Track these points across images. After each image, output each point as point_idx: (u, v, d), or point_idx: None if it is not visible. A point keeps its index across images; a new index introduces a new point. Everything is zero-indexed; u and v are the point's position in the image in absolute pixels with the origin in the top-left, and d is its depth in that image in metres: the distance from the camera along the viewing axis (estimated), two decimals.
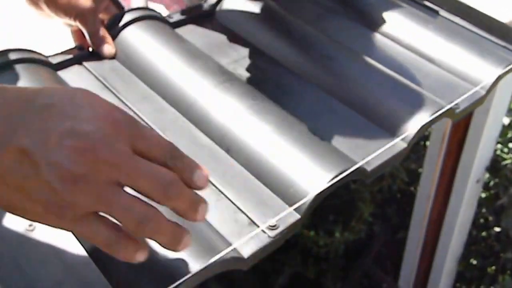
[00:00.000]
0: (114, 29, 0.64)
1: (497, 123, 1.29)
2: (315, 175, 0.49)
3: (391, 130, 0.55)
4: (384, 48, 0.67)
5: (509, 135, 1.42)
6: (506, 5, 0.85)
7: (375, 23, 0.70)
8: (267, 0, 0.72)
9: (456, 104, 0.57)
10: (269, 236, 0.46)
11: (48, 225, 0.34)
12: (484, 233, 1.41)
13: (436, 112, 0.54)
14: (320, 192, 0.47)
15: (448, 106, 0.56)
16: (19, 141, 0.31)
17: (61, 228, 0.34)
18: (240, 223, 0.47)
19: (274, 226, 0.46)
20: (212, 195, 0.50)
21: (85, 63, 0.62)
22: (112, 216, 0.34)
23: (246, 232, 0.46)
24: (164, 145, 0.36)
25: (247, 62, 0.66)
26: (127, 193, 0.34)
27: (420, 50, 0.66)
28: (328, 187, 0.47)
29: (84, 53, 0.63)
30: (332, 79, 0.61)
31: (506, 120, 1.42)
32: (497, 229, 1.39)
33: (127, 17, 0.65)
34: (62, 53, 0.62)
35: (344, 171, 0.48)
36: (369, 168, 0.51)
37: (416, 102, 0.56)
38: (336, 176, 0.48)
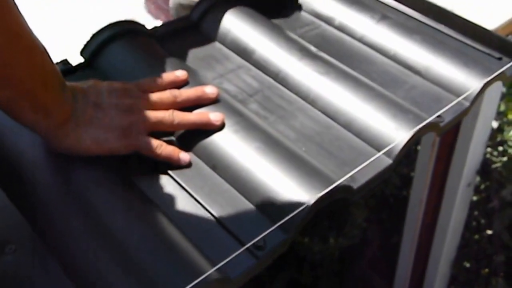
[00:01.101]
0: (96, 44, 0.63)
1: (486, 127, 1.29)
2: (302, 193, 0.47)
3: (378, 146, 0.53)
4: (371, 60, 0.66)
5: (498, 139, 1.41)
6: (491, 12, 0.85)
7: (361, 35, 0.69)
8: (252, 11, 0.71)
9: (441, 117, 0.55)
10: (256, 257, 0.44)
11: (121, 148, 0.51)
12: (476, 236, 1.40)
13: (421, 127, 0.53)
14: (307, 212, 0.45)
15: (429, 120, 0.54)
16: (92, 100, 0.52)
17: (128, 147, 0.52)
18: (226, 243, 0.46)
19: (261, 246, 0.45)
20: (197, 213, 0.48)
21: None
22: (152, 124, 0.53)
23: (232, 252, 0.45)
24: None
25: (232, 76, 0.65)
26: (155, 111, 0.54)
27: (406, 61, 0.64)
28: (315, 206, 0.46)
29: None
30: (320, 94, 0.60)
31: (495, 124, 1.41)
32: (489, 231, 1.38)
33: (109, 32, 0.63)
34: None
35: (331, 189, 0.47)
36: (355, 186, 0.49)
37: (402, 117, 0.54)
38: (323, 195, 0.46)
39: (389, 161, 0.52)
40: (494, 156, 1.37)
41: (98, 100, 0.52)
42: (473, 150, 1.26)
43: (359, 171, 0.51)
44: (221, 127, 0.54)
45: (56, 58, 0.66)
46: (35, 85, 0.46)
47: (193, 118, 0.54)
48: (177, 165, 0.52)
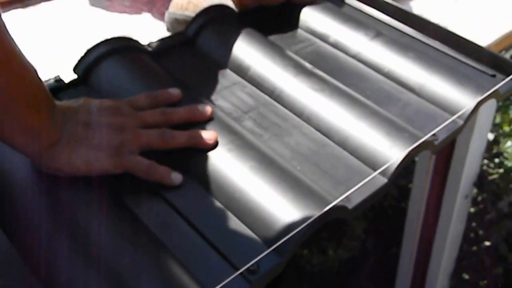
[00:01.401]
0: (89, 60, 0.61)
1: (482, 139, 1.27)
2: (297, 215, 0.46)
3: (372, 165, 0.52)
4: (365, 77, 0.64)
5: (494, 150, 1.39)
6: (484, 29, 0.84)
7: (356, 52, 0.68)
8: (247, 27, 0.70)
9: (435, 136, 0.54)
10: (249, 281, 0.43)
11: (112, 168, 0.49)
12: (474, 248, 1.38)
13: (415, 146, 0.51)
14: (302, 235, 0.44)
15: (424, 139, 0.53)
16: (82, 120, 0.50)
17: (119, 167, 0.50)
18: (219, 267, 0.44)
19: (254, 270, 0.43)
20: (189, 235, 0.47)
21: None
22: (143, 144, 0.51)
23: (225, 276, 0.43)
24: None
25: (227, 93, 0.64)
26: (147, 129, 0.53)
27: (400, 79, 0.63)
28: (310, 228, 0.44)
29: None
30: (315, 112, 0.59)
31: (491, 136, 1.40)
32: (487, 243, 1.37)
33: (104, 48, 0.61)
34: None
35: (325, 210, 0.45)
36: (350, 206, 0.48)
37: (397, 136, 0.53)
38: (317, 217, 0.45)
39: (384, 180, 0.51)
40: (490, 168, 1.36)
41: (89, 119, 0.50)
42: (470, 162, 1.24)
43: (354, 191, 0.49)
44: (214, 145, 0.53)
45: (48, 73, 0.66)
46: (24, 108, 0.45)
47: (185, 137, 0.53)
48: (169, 185, 0.51)
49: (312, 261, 1.47)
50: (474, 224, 1.40)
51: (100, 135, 0.50)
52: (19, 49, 0.44)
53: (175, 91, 0.58)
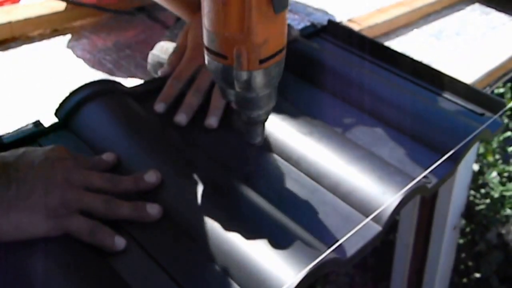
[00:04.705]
0: (71, 104, 0.58)
1: (467, 170, 1.26)
2: (287, 271, 0.42)
3: (365, 211, 0.49)
4: (355, 121, 0.62)
5: (480, 181, 1.38)
6: (468, 66, 0.83)
7: (345, 95, 0.66)
8: None
9: (428, 178, 0.52)
10: None
11: (49, 231, 0.44)
12: (465, 280, 1.35)
13: (410, 191, 0.49)
14: None
15: (416, 181, 0.50)
16: (15, 177, 0.45)
17: (57, 229, 0.44)
18: None
19: None
20: None
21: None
22: (85, 207, 0.46)
23: None
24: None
25: (214, 134, 0.61)
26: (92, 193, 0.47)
27: (389, 120, 0.61)
28: (301, 285, 0.41)
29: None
30: (304, 155, 0.56)
31: (475, 167, 1.39)
32: (478, 275, 1.34)
33: (86, 91, 0.58)
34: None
35: (316, 264, 0.42)
36: (343, 258, 0.44)
37: (389, 180, 0.50)
38: (309, 271, 0.41)
39: (378, 227, 0.48)
40: (477, 198, 1.34)
41: (24, 175, 0.44)
42: (457, 193, 1.23)
43: (348, 240, 0.46)
44: (158, 219, 0.48)
45: (29, 118, 0.62)
46: None
47: (129, 209, 0.48)
48: (111, 251, 0.45)
49: None
50: (463, 255, 1.37)
51: (36, 194, 0.44)
52: None
53: (110, 157, 0.53)
